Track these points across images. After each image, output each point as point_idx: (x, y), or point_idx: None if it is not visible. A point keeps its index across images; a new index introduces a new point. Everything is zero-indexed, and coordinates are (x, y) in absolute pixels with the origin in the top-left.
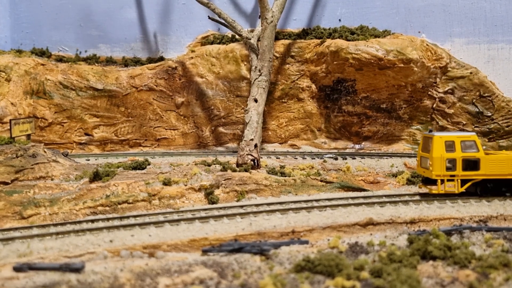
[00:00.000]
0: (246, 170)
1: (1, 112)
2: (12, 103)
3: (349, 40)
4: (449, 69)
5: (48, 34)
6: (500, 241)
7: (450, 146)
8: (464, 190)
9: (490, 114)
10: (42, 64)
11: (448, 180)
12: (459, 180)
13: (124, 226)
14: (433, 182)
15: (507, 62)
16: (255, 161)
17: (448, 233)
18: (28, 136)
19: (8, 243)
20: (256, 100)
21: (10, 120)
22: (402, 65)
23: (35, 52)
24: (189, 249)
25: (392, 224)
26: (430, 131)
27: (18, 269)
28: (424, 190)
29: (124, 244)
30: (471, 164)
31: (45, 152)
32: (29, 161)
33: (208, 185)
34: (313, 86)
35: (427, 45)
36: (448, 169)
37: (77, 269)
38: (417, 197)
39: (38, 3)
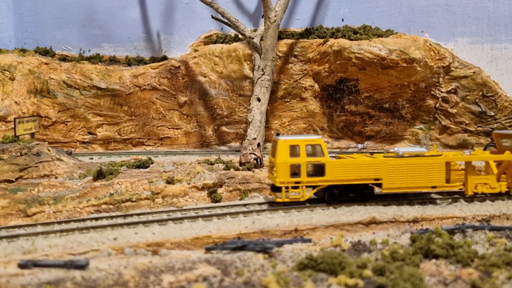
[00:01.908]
0: (249, 169)
1: (5, 111)
2: (16, 102)
3: (352, 40)
4: (452, 68)
5: (51, 34)
6: (503, 240)
7: (295, 151)
8: (316, 196)
9: (493, 114)
10: (46, 63)
11: (293, 187)
12: (304, 187)
13: (128, 224)
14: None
15: (510, 62)
16: (258, 160)
17: (451, 232)
18: (32, 134)
19: (13, 241)
20: (259, 99)
21: (15, 118)
22: (405, 64)
23: (39, 51)
24: (193, 247)
25: (394, 223)
26: (278, 134)
27: (23, 266)
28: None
29: (128, 241)
30: (317, 170)
31: (49, 150)
32: (33, 160)
33: (211, 183)
34: (316, 86)
35: (430, 44)
36: (293, 175)
37: (82, 266)
38: (421, 196)
39: (42, 3)
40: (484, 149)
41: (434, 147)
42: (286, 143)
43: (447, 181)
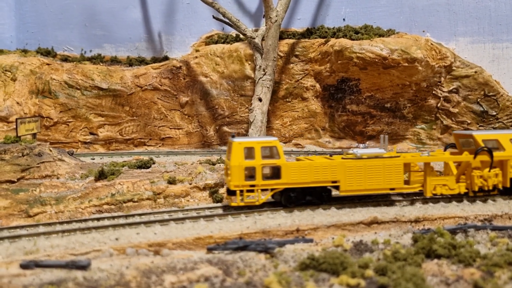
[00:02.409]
0: None
1: (7, 111)
2: (17, 103)
3: (353, 40)
4: (453, 68)
5: (53, 34)
6: (505, 239)
7: (250, 153)
8: (273, 199)
9: (495, 113)
10: (48, 64)
11: (248, 191)
12: (259, 191)
13: (130, 224)
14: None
15: (511, 61)
16: None
17: (453, 231)
18: (34, 135)
19: (15, 241)
20: (260, 99)
21: (16, 119)
22: (406, 64)
23: (40, 52)
24: (194, 247)
25: (396, 222)
26: (233, 136)
27: (25, 266)
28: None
29: (130, 242)
30: (273, 172)
31: (50, 151)
32: (35, 160)
33: (213, 183)
34: (317, 86)
35: (431, 44)
36: (248, 178)
37: (83, 267)
38: (423, 196)
39: (43, 3)
40: (445, 150)
41: (394, 148)
42: (240, 145)
43: (407, 182)
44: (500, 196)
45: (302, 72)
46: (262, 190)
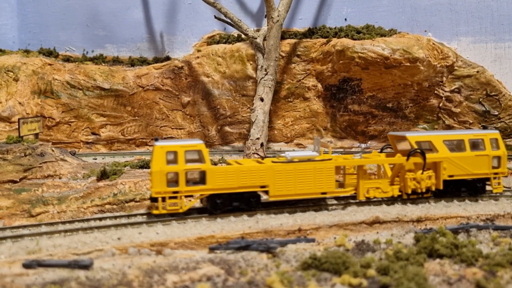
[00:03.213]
0: None
1: (9, 111)
2: (20, 103)
3: (355, 39)
4: (455, 68)
5: (55, 34)
6: (507, 239)
7: (172, 158)
8: (202, 205)
9: (497, 113)
10: (50, 64)
11: (171, 198)
12: (183, 197)
13: (132, 224)
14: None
15: None
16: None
17: (455, 231)
18: (36, 135)
19: (17, 241)
20: (262, 99)
21: (19, 119)
22: (408, 64)
23: (42, 52)
24: (196, 246)
25: (398, 222)
26: (156, 139)
27: (27, 265)
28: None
29: (132, 241)
30: (197, 178)
31: (53, 151)
32: (37, 160)
33: None
34: (319, 85)
35: (433, 44)
36: (170, 184)
37: (86, 266)
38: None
39: (46, 4)
40: (381, 152)
41: (330, 149)
42: (163, 149)
43: (342, 185)
44: (434, 198)
45: (304, 72)
46: (188, 196)
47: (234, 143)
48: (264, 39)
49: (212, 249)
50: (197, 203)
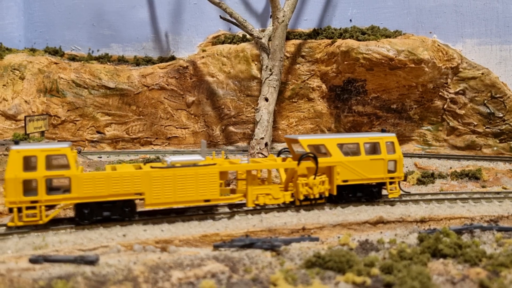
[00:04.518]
0: None
1: (16, 109)
2: (26, 101)
3: (360, 40)
4: (460, 69)
5: (61, 33)
6: (511, 240)
7: (30, 163)
8: (76, 216)
9: (501, 115)
10: (55, 63)
11: (28, 208)
12: (43, 208)
13: (137, 221)
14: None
15: None
16: None
17: (459, 232)
18: (42, 133)
19: (24, 236)
20: (267, 99)
21: (25, 117)
22: (413, 65)
23: (48, 51)
24: (201, 244)
25: (402, 222)
26: (16, 142)
27: (34, 261)
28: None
29: (137, 238)
30: (61, 185)
31: None
32: None
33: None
34: (324, 86)
35: (438, 45)
36: (27, 193)
37: (92, 262)
38: (428, 196)
39: (52, 3)
40: (278, 155)
41: (222, 154)
42: (19, 154)
43: (233, 191)
44: (329, 204)
45: (309, 73)
46: (50, 206)
47: (238, 143)
48: (269, 40)
49: (216, 247)
50: None
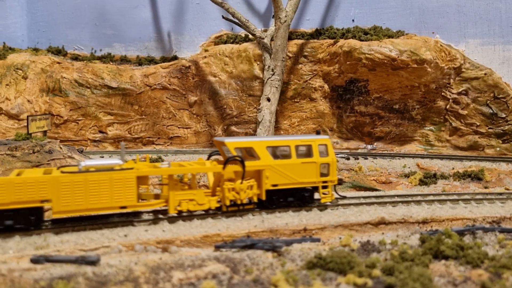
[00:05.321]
0: None
1: (18, 109)
2: (28, 100)
3: (362, 40)
4: (463, 70)
5: (64, 33)
6: None
7: None
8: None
9: (504, 116)
10: (58, 62)
11: None
12: None
13: (138, 221)
14: None
15: None
16: None
17: (461, 233)
18: (45, 132)
19: (25, 236)
20: (269, 99)
21: (28, 116)
22: (415, 65)
23: (51, 51)
24: (202, 244)
25: (404, 223)
26: None
27: (35, 261)
28: None
29: (138, 238)
30: None
31: (60, 148)
32: (46, 157)
33: None
34: (326, 86)
35: (441, 45)
36: None
37: (93, 262)
38: (431, 197)
39: (54, 3)
40: (208, 158)
41: (137, 157)
42: None
43: (157, 197)
44: (259, 210)
45: (311, 73)
46: None
47: None
48: (272, 40)
49: (217, 247)
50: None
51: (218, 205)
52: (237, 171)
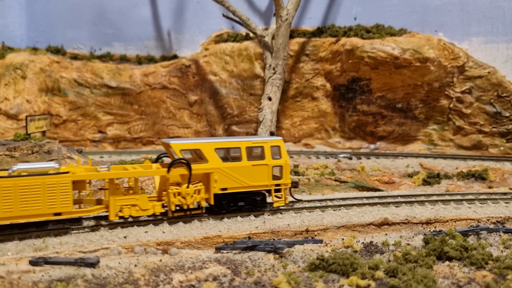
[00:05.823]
0: None
1: (17, 109)
2: (27, 100)
3: (364, 39)
4: (466, 68)
5: (63, 32)
6: None
7: None
8: None
9: (508, 115)
10: (57, 62)
11: None
12: None
13: (138, 223)
14: None
15: None
16: None
17: (465, 234)
18: (44, 132)
19: (24, 238)
20: (270, 99)
21: (26, 116)
22: (418, 64)
23: (50, 50)
24: (203, 246)
25: (407, 224)
26: None
27: (34, 263)
28: None
29: (138, 240)
30: None
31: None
32: (44, 158)
33: None
34: (328, 85)
35: (444, 44)
36: None
37: (92, 264)
38: (434, 197)
39: (54, 2)
40: (156, 161)
41: (89, 160)
42: None
43: (99, 202)
44: (208, 216)
45: (313, 72)
46: None
47: None
48: (273, 38)
49: (218, 249)
50: None
51: (163, 210)
52: (183, 174)
